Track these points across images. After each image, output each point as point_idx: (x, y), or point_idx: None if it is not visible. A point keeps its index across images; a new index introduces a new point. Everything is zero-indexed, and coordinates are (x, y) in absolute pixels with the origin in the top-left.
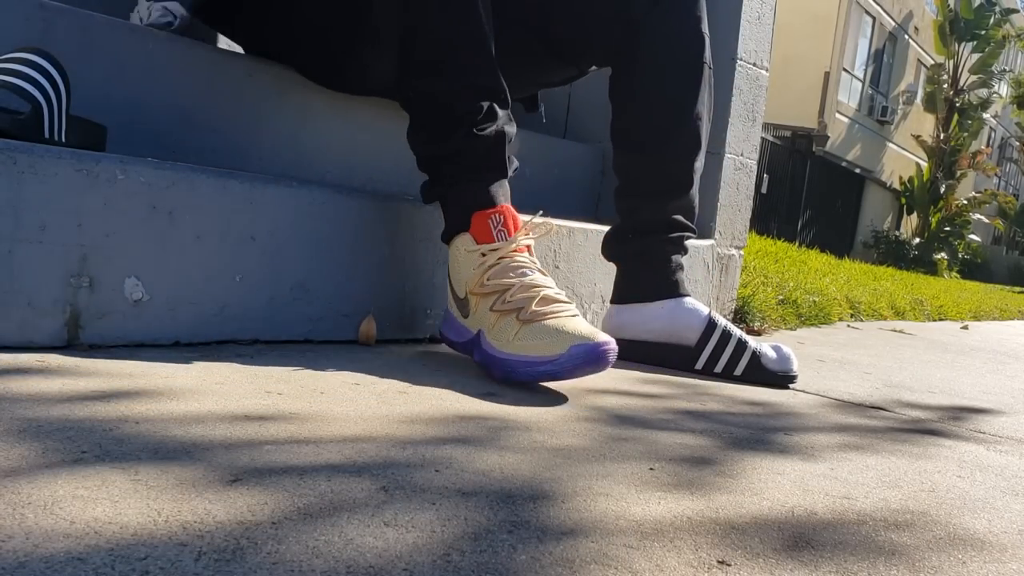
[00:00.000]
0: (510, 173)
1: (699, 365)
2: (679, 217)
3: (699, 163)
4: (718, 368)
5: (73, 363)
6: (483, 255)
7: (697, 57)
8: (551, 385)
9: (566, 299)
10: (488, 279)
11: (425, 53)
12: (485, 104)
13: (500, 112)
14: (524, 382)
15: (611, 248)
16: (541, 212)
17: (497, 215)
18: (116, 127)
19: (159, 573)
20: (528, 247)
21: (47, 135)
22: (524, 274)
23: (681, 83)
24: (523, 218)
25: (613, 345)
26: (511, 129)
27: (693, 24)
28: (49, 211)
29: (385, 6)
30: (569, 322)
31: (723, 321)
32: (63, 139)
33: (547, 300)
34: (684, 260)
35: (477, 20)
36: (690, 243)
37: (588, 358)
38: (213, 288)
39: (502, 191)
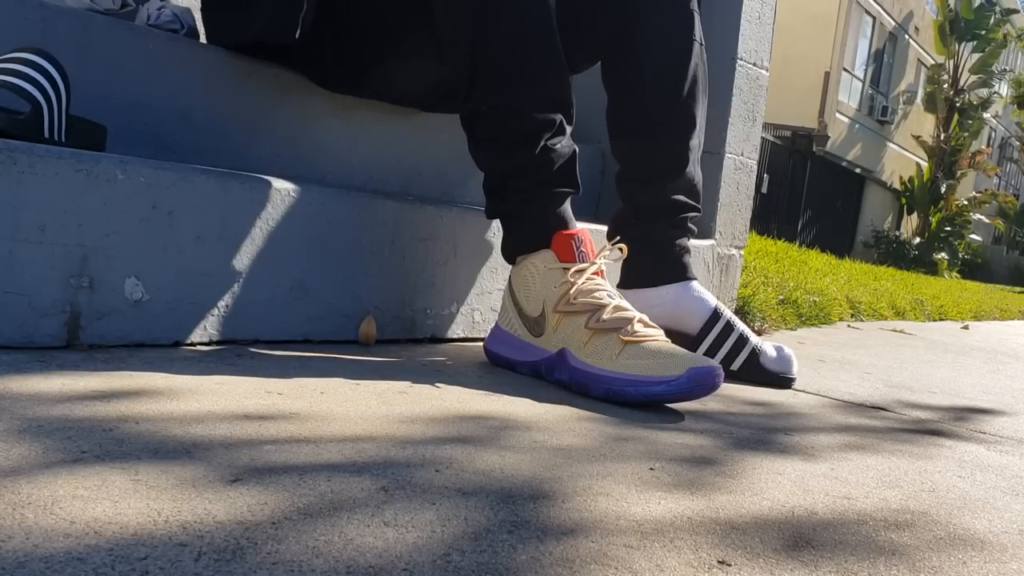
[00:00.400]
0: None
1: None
2: (680, 197)
3: (695, 141)
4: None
5: (73, 363)
6: (570, 272)
7: (687, 34)
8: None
9: (654, 324)
10: (576, 297)
11: (499, 63)
12: (558, 117)
13: (567, 128)
14: (633, 401)
15: (613, 233)
16: (617, 240)
17: (579, 236)
18: (116, 127)
19: (159, 573)
20: (601, 271)
21: (47, 135)
22: (611, 296)
23: (672, 63)
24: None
25: (721, 370)
26: (577, 146)
27: (682, 2)
28: (49, 211)
29: (452, 18)
30: (671, 346)
31: (728, 313)
32: (63, 139)
33: (644, 323)
34: (691, 243)
35: (550, 29)
36: (691, 243)
37: (703, 381)
38: (213, 288)
39: (572, 207)
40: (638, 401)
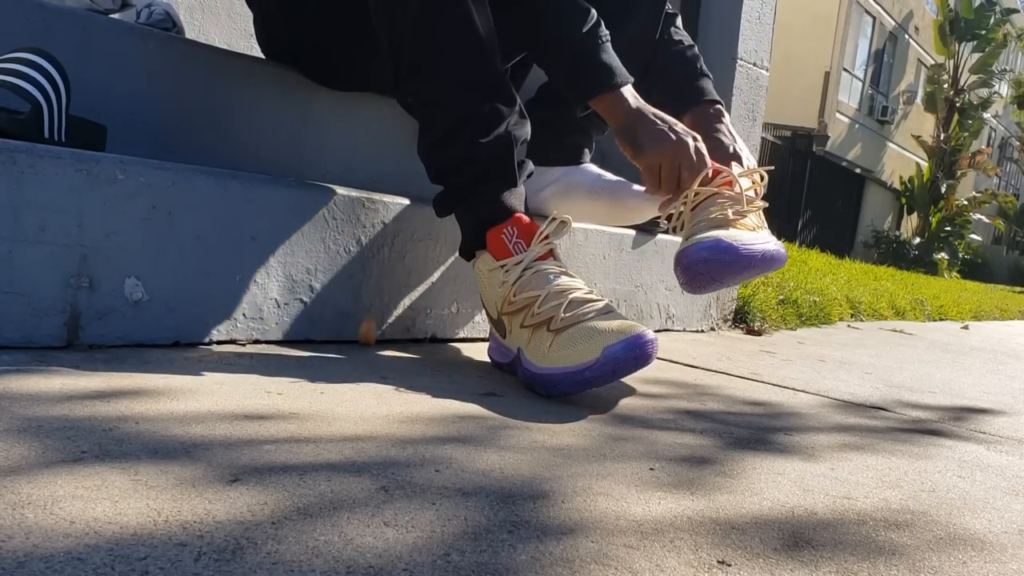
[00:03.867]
0: (521, 180)
1: None
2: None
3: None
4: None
5: (73, 363)
6: (506, 271)
7: None
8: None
9: (596, 296)
10: (515, 295)
11: (412, 54)
12: (486, 104)
13: (506, 111)
14: (570, 395)
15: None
16: (554, 215)
17: (510, 228)
18: (116, 127)
19: (159, 573)
20: (551, 252)
21: (47, 135)
22: (549, 280)
23: None
24: (537, 220)
25: (650, 336)
26: (520, 132)
27: None
28: (49, 211)
29: (372, 11)
30: (601, 322)
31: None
32: (63, 139)
33: (576, 303)
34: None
35: (465, 12)
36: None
37: (626, 356)
38: (213, 288)
39: (514, 198)
40: (573, 392)
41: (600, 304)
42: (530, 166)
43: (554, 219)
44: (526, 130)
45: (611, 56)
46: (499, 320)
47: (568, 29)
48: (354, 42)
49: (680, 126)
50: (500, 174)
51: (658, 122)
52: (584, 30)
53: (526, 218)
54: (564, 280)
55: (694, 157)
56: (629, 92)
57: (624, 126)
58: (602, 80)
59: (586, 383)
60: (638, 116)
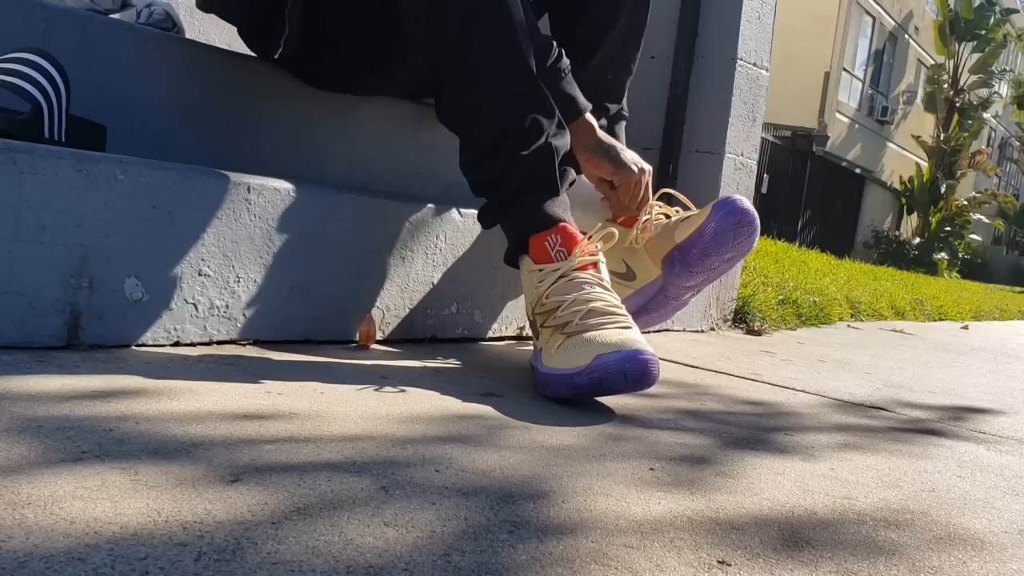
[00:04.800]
0: (563, 189)
1: None
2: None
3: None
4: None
5: (73, 363)
6: (542, 273)
7: None
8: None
9: (622, 312)
10: (546, 298)
11: (452, 68)
12: (527, 118)
13: (546, 122)
14: (563, 398)
15: None
16: (600, 224)
17: (554, 235)
18: (116, 127)
19: (159, 573)
20: (594, 264)
21: (47, 135)
22: (581, 289)
23: None
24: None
25: (648, 354)
26: (560, 142)
27: None
28: (49, 211)
29: (410, 26)
30: (610, 333)
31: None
32: (63, 139)
33: (596, 312)
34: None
35: (504, 27)
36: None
37: (616, 368)
38: (213, 288)
39: (557, 207)
40: (566, 396)
41: (621, 319)
42: (572, 174)
43: (600, 229)
44: (566, 140)
45: (573, 87)
46: (533, 320)
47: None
48: (373, 50)
49: (636, 153)
50: (542, 184)
51: (624, 146)
52: (547, 65)
53: (571, 229)
54: (596, 291)
55: (650, 187)
56: (592, 118)
57: (599, 144)
58: (569, 110)
59: (575, 388)
60: (605, 135)
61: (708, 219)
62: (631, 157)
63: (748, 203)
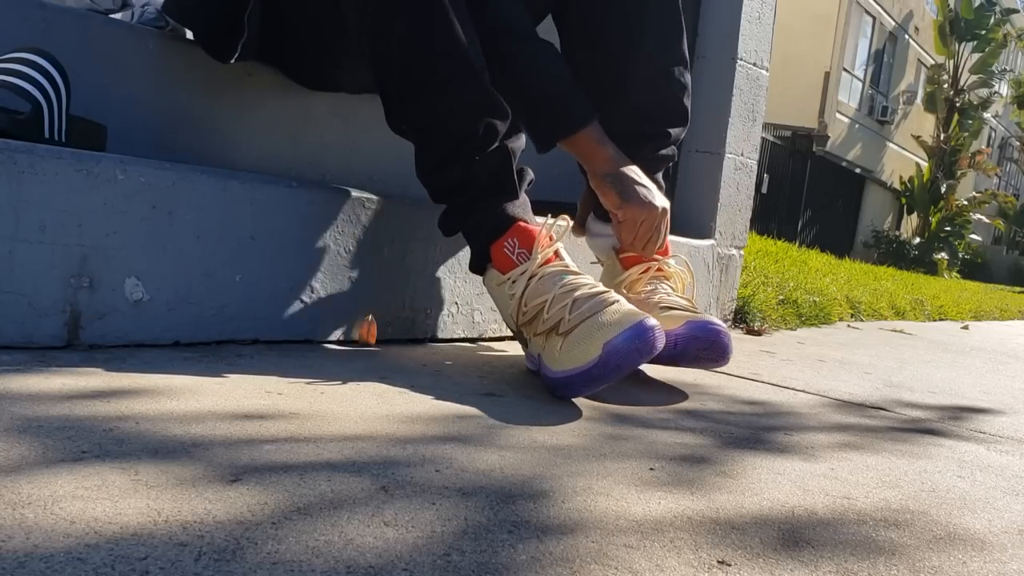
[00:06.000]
0: (522, 192)
1: None
2: (635, 127)
3: (650, 70)
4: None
5: (73, 363)
6: (512, 283)
7: None
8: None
9: (601, 289)
10: (525, 305)
11: (402, 82)
12: (480, 123)
13: (500, 125)
14: (586, 395)
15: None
16: (550, 215)
17: (511, 239)
18: (116, 127)
19: (159, 573)
20: (556, 253)
21: (47, 135)
22: (555, 283)
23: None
24: (538, 221)
25: (650, 323)
26: (516, 144)
27: None
28: (49, 211)
29: (359, 40)
30: (605, 314)
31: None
32: (63, 139)
33: (581, 301)
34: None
35: (450, 35)
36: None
37: (627, 348)
38: (213, 288)
39: (517, 208)
40: (588, 392)
41: (606, 297)
42: (530, 174)
43: (551, 221)
44: (521, 141)
45: (571, 98)
46: (518, 331)
47: (534, 71)
48: (333, 43)
49: (655, 188)
50: (500, 188)
51: (642, 177)
52: (551, 72)
53: (527, 225)
54: (569, 280)
55: (663, 229)
56: (597, 134)
57: (611, 173)
58: (572, 121)
59: (595, 381)
60: (624, 163)
61: (682, 326)
62: (644, 193)
63: (723, 328)
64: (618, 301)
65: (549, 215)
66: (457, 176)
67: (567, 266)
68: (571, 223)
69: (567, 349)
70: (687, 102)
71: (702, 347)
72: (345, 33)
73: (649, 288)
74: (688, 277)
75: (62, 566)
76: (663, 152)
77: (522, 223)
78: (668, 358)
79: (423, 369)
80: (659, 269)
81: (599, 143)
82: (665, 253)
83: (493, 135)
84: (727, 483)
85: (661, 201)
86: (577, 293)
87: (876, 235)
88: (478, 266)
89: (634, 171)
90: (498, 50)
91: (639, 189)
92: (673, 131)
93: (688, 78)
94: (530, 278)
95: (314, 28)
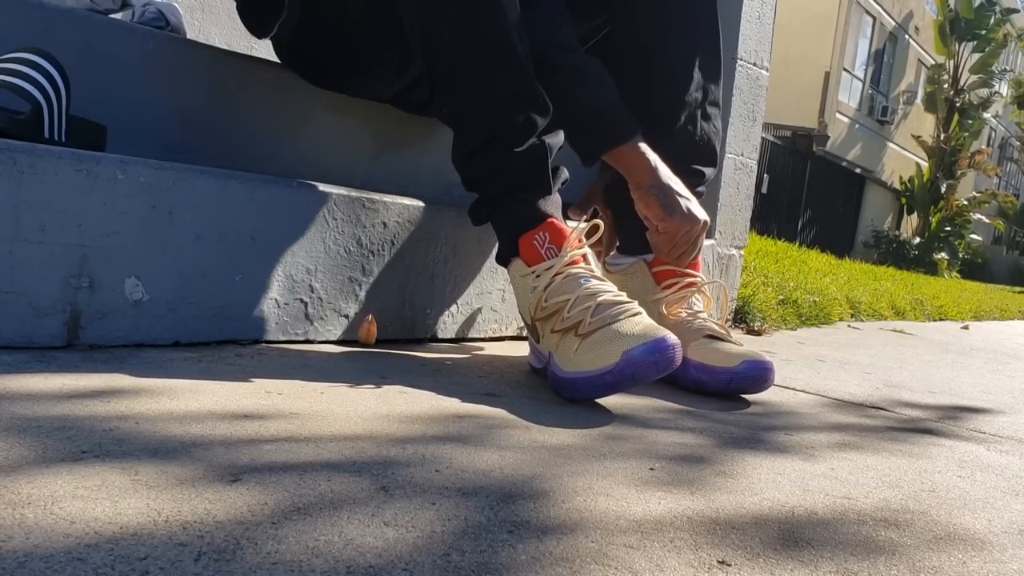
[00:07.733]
0: (555, 188)
1: None
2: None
3: (689, 96)
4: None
5: (73, 363)
6: (537, 276)
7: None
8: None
9: (625, 299)
10: (546, 300)
11: (449, 64)
12: (520, 115)
13: (539, 120)
14: (593, 399)
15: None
16: (585, 217)
17: (542, 233)
18: (116, 127)
19: (159, 573)
20: (584, 256)
21: (47, 135)
22: (580, 284)
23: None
24: (570, 225)
25: (672, 340)
26: (554, 140)
27: None
28: (49, 211)
29: (408, 22)
30: (626, 324)
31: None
32: (63, 139)
33: (604, 306)
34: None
35: (500, 23)
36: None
37: (645, 360)
38: (213, 288)
39: (549, 205)
40: (596, 397)
41: (629, 308)
42: (564, 173)
43: (585, 222)
44: (559, 138)
45: (613, 112)
46: (533, 326)
47: (580, 87)
48: (359, 48)
49: (696, 202)
50: (534, 182)
51: (684, 190)
52: (597, 86)
53: (559, 223)
54: (594, 284)
55: (700, 243)
56: (644, 148)
57: (656, 184)
58: (617, 133)
59: (607, 387)
60: (668, 176)
61: (739, 365)
62: (687, 205)
63: (772, 366)
64: (640, 313)
65: (584, 217)
66: (492, 166)
67: (593, 271)
68: (603, 228)
69: (584, 351)
70: (717, 145)
71: (753, 384)
72: (380, 38)
73: (687, 313)
74: (720, 295)
75: (62, 566)
76: (697, 189)
77: (554, 220)
78: (715, 391)
79: (423, 369)
80: (690, 283)
81: (643, 155)
82: (696, 267)
83: (532, 128)
84: (727, 483)
85: (702, 215)
86: (601, 298)
87: (876, 235)
88: (503, 256)
89: (677, 183)
90: (546, 61)
91: (682, 201)
92: (706, 171)
93: (720, 123)
94: (555, 275)
95: (351, 25)
